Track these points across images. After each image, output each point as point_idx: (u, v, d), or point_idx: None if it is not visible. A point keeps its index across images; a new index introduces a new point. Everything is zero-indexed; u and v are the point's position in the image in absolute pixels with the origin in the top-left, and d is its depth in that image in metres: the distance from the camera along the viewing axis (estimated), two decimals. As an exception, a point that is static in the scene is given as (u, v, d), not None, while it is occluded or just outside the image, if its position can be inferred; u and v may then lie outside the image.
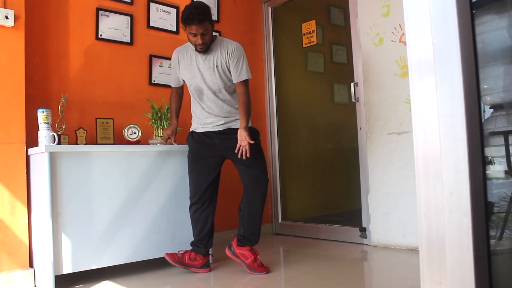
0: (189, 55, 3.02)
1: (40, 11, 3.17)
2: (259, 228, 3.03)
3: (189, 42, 2.99)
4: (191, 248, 3.06)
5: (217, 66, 2.92)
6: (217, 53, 2.93)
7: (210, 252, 3.13)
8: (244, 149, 2.85)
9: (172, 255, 2.96)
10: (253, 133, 3.01)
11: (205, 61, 2.95)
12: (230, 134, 2.99)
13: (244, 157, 2.86)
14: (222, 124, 3.00)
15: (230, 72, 2.95)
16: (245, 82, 2.96)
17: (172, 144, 3.14)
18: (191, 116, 3.16)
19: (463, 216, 0.89)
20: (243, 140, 2.85)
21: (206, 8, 2.83)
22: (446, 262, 0.91)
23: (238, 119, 3.00)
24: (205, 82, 2.97)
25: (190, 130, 3.14)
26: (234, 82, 2.96)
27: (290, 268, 3.15)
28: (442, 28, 0.92)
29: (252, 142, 2.84)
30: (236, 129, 2.97)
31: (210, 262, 3.12)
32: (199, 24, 2.77)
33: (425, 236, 0.95)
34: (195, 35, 2.82)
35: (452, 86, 0.91)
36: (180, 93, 3.24)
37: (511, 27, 1.10)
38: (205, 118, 3.02)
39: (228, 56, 2.91)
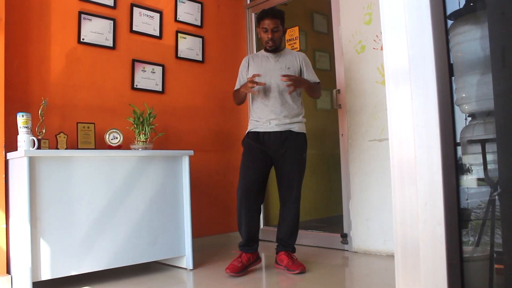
0: (259, 58, 3.24)
1: (21, 14, 3.13)
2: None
3: (258, 52, 3.30)
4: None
5: (289, 68, 3.14)
6: (289, 58, 3.18)
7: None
8: (289, 78, 2.96)
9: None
10: (303, 145, 3.17)
11: (277, 63, 3.16)
12: (288, 136, 3.09)
13: (286, 81, 2.98)
14: (283, 124, 3.09)
15: (301, 75, 3.18)
16: (319, 84, 3.24)
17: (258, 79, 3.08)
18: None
19: (437, 226, 0.90)
20: (294, 79, 2.99)
21: (281, 11, 3.17)
22: (420, 271, 0.93)
23: (298, 122, 3.14)
24: (274, 80, 3.10)
25: (247, 131, 3.21)
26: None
27: (271, 274, 3.14)
28: (417, 40, 0.94)
29: (291, 85, 2.98)
30: (295, 132, 3.11)
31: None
32: (271, 19, 3.06)
33: (400, 245, 0.97)
34: (266, 30, 3.08)
35: (427, 97, 0.92)
36: None
37: (488, 37, 1.12)
38: (266, 116, 3.11)
39: (300, 62, 3.19)
